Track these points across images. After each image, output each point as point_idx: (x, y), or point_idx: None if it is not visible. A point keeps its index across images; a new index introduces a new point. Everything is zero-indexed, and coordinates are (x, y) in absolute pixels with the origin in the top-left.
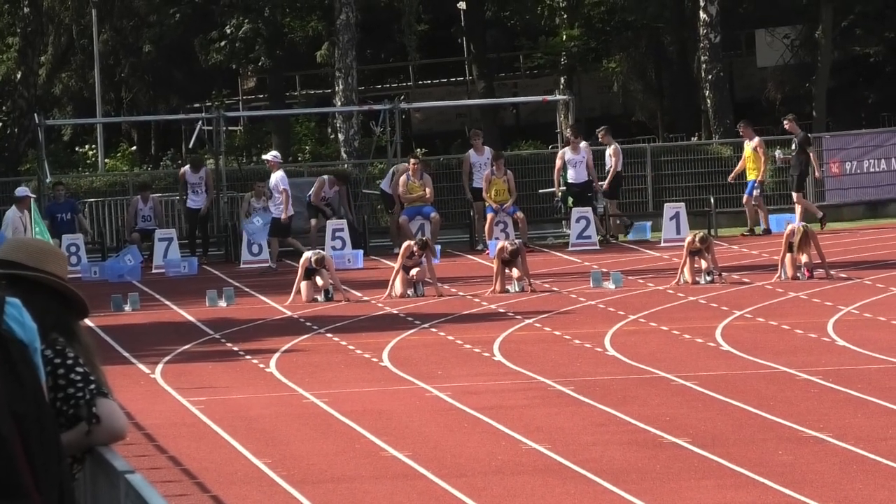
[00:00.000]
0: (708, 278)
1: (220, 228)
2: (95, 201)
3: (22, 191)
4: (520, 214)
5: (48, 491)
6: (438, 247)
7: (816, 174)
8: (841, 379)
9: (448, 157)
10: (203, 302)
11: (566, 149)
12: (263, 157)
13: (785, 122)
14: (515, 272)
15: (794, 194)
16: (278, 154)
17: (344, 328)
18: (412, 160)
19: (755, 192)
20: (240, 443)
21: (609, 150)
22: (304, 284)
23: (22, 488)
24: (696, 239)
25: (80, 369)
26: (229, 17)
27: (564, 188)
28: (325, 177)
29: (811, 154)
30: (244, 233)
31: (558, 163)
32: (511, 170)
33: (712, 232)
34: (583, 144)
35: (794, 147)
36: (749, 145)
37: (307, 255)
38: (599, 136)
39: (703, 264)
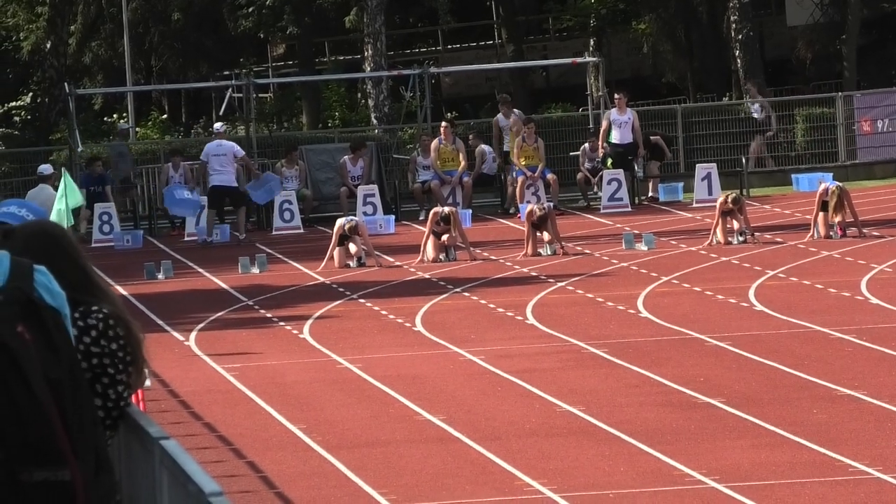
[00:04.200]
0: (740, 238)
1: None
2: None
3: (45, 169)
4: (552, 176)
5: (84, 456)
6: (469, 211)
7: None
8: (875, 337)
9: (478, 121)
10: (236, 269)
11: (612, 110)
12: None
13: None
14: (546, 235)
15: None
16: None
17: (377, 293)
18: (443, 124)
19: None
20: (274, 409)
21: None
22: (336, 251)
23: (60, 454)
24: (729, 199)
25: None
26: None
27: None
28: (347, 157)
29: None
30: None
31: (604, 123)
32: (541, 132)
33: (744, 192)
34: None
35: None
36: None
37: (340, 221)
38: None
39: (736, 224)
